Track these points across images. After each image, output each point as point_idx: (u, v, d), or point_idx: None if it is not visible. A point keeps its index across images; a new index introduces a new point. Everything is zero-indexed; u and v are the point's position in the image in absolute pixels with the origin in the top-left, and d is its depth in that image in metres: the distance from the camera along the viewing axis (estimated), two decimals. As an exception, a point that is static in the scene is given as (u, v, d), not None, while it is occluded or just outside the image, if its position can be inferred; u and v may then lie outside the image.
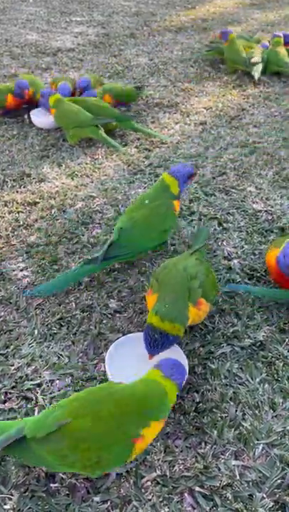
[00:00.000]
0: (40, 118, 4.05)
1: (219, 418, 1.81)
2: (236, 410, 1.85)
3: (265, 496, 1.59)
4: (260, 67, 5.14)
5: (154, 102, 4.63)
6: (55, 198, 3.16)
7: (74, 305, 2.33)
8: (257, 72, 5.07)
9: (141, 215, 2.41)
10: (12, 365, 2.02)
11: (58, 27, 7.25)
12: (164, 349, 1.91)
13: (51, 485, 1.61)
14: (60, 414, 1.49)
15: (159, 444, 1.72)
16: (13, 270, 2.56)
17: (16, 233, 2.84)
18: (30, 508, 1.55)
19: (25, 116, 4.25)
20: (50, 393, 1.91)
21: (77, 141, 3.81)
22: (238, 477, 1.64)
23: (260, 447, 1.73)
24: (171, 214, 2.48)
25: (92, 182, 3.36)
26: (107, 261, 2.38)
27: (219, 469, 1.65)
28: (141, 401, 1.48)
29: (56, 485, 1.61)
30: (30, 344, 2.13)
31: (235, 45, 5.23)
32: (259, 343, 2.13)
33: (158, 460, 1.68)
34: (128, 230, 2.38)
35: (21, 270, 2.56)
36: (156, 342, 1.87)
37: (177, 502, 1.57)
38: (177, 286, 1.98)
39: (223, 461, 1.69)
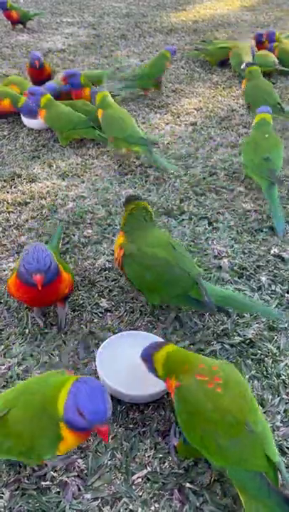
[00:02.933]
0: (31, 118, 4.04)
1: (209, 415, 1.82)
2: (226, 407, 1.86)
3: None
4: None
5: (144, 103, 4.65)
6: (45, 199, 3.16)
7: (65, 304, 2.33)
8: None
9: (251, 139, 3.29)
10: (3, 365, 2.02)
11: (48, 28, 7.25)
12: None
13: (42, 483, 1.61)
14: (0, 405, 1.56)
15: (149, 441, 1.74)
16: (4, 270, 2.56)
17: (6, 233, 2.84)
18: (21, 506, 1.55)
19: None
20: (41, 392, 1.91)
21: (68, 142, 3.81)
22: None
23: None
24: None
25: (83, 182, 3.37)
26: None
27: (209, 465, 1.67)
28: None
29: (47, 483, 1.62)
30: (21, 343, 2.13)
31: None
32: (248, 340, 2.15)
33: (148, 457, 1.69)
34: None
35: (12, 270, 2.55)
36: None
37: (167, 498, 1.59)
38: None
39: (212, 457, 1.70)
